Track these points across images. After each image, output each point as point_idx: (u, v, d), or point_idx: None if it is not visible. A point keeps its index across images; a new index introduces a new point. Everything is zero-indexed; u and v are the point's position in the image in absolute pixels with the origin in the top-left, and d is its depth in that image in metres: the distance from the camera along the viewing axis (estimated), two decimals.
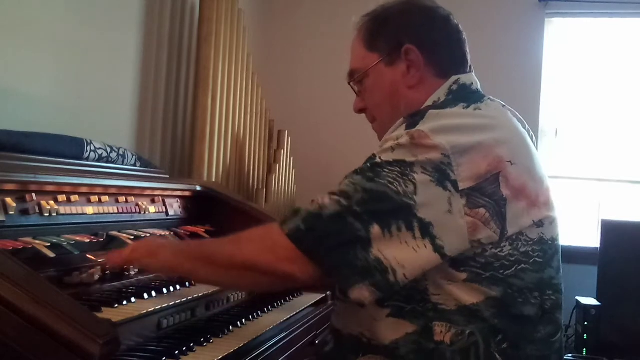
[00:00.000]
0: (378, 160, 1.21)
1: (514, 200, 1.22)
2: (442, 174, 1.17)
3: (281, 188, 3.14)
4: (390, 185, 1.16)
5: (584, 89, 3.69)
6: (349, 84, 1.49)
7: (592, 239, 3.48)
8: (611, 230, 3.20)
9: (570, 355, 2.98)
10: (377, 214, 1.16)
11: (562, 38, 3.71)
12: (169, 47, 2.61)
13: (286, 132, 3.22)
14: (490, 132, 1.24)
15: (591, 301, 3.06)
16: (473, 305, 1.21)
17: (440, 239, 1.17)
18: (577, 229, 3.55)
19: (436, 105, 1.33)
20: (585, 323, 3.00)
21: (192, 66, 2.72)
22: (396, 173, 1.17)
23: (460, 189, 1.17)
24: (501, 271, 1.21)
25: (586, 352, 3.00)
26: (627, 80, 3.63)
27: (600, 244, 3.20)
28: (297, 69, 3.85)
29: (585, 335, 3.00)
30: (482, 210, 1.18)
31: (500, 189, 1.20)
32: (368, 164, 1.22)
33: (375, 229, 1.15)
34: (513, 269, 1.22)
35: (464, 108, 1.29)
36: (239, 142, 2.82)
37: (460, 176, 1.17)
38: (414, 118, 1.26)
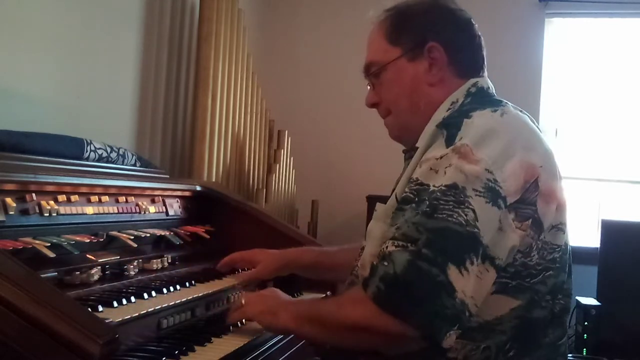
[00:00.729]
0: (431, 188, 1.17)
1: (547, 205, 1.22)
2: (493, 193, 1.15)
3: (281, 188, 3.14)
4: (450, 219, 1.13)
5: (584, 89, 3.69)
6: (366, 77, 1.46)
7: (592, 239, 3.48)
8: (611, 230, 3.20)
9: (570, 355, 2.97)
10: (448, 252, 1.12)
11: (562, 38, 3.71)
12: (169, 47, 2.61)
13: (286, 132, 3.21)
14: (519, 139, 1.24)
15: (591, 301, 3.06)
16: (495, 319, 1.20)
17: (498, 258, 1.16)
18: (577, 229, 3.54)
19: (464, 109, 1.31)
20: (585, 323, 3.00)
21: (192, 66, 2.72)
22: (452, 203, 1.14)
23: (508, 203, 1.17)
24: (527, 279, 1.21)
25: (586, 352, 3.01)
26: (627, 80, 3.63)
27: (600, 244, 3.20)
28: (297, 69, 3.85)
29: (585, 335, 3.01)
30: (529, 222, 1.19)
31: (538, 195, 1.21)
32: (424, 198, 1.17)
33: (452, 269, 1.11)
34: (540, 276, 1.22)
35: (492, 111, 1.27)
36: (239, 142, 2.82)
37: (508, 191, 1.17)
38: (450, 130, 1.23)
